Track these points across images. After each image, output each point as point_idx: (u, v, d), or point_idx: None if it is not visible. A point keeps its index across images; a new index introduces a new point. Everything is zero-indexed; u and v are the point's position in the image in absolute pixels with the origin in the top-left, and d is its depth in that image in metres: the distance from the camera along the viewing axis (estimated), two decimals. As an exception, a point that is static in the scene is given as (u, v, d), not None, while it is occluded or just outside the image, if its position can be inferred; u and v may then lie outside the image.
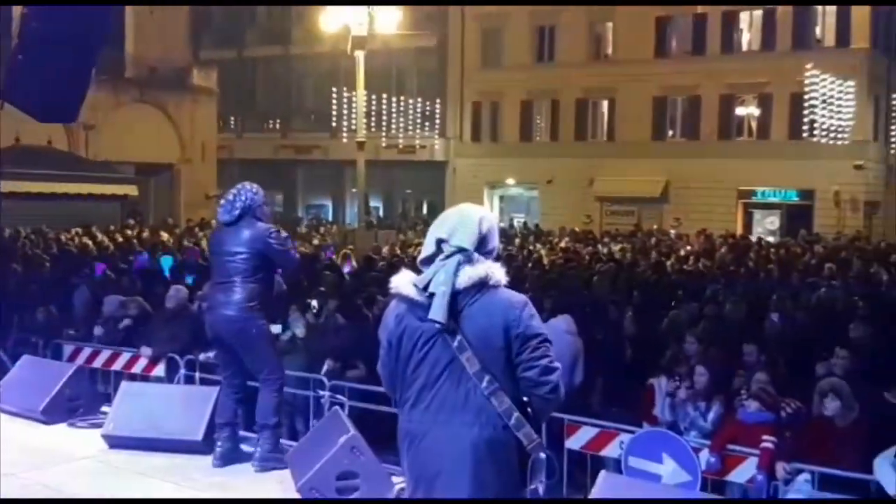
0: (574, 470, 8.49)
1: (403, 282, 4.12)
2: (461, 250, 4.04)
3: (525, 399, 4.07)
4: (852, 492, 7.14)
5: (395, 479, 6.51)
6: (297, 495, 6.56)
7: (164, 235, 26.03)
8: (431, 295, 3.98)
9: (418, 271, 4.16)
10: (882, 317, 11.68)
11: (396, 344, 4.11)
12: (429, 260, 4.13)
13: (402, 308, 4.13)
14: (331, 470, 6.45)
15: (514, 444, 3.96)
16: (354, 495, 6.48)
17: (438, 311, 3.92)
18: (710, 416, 8.50)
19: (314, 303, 12.19)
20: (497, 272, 4.04)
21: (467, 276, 3.98)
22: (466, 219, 4.15)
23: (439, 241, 4.10)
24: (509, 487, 3.97)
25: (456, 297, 3.97)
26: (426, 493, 4.02)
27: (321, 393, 9.38)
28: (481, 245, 4.11)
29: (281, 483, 7.02)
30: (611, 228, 35.82)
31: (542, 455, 4.03)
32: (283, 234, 7.61)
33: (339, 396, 9.16)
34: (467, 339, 3.93)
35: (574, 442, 8.85)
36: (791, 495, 7.48)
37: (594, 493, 5.15)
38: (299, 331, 10.78)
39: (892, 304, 13.22)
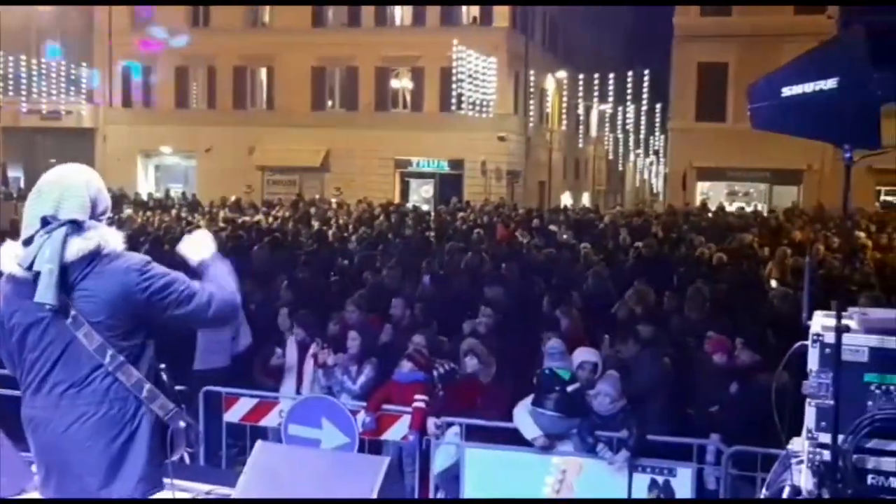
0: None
1: (6, 258, 3.71)
2: (72, 222, 3.68)
3: (161, 366, 3.91)
4: (499, 440, 7.72)
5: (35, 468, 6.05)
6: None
7: None
8: (38, 273, 3.61)
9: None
10: (522, 277, 12.66)
11: (9, 326, 3.75)
12: (31, 240, 3.70)
13: (8, 288, 3.75)
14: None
15: (149, 417, 3.78)
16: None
17: (46, 293, 3.57)
18: (361, 379, 8.70)
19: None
20: (112, 239, 3.73)
21: (76, 248, 3.64)
22: (71, 186, 3.77)
23: (45, 220, 3.69)
24: (150, 462, 3.80)
25: (66, 271, 3.62)
26: (59, 483, 3.76)
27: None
28: (93, 210, 3.78)
29: None
30: (273, 198, 35.65)
31: (182, 424, 3.88)
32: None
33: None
34: (84, 314, 3.63)
35: (233, 414, 8.77)
36: (443, 447, 7.94)
37: (249, 465, 5.08)
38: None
39: (531, 265, 14.31)
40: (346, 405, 8.42)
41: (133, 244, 15.97)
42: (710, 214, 27.98)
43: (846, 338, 3.58)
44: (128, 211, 26.84)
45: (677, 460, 7.44)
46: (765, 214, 29.06)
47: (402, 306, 9.99)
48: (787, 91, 3.78)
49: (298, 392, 9.03)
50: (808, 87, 3.70)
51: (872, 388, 3.64)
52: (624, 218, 26.26)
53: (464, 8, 38.88)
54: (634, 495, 7.39)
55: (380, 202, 30.95)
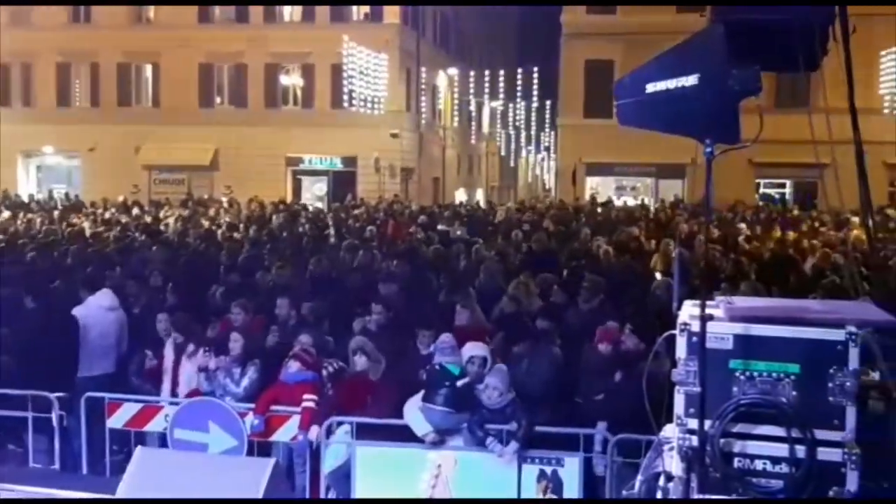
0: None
1: None
2: None
3: None
4: (391, 437, 7.71)
5: None
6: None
7: None
8: None
9: None
10: (415, 274, 12.69)
11: None
12: None
13: None
14: None
15: None
16: None
17: None
18: (244, 382, 8.56)
19: None
20: None
21: None
22: None
23: None
24: None
25: None
26: None
27: None
28: None
29: None
30: (160, 198, 34.79)
31: None
32: None
33: None
34: None
35: (116, 420, 8.55)
36: (332, 446, 7.89)
37: (130, 471, 4.97)
38: None
39: (425, 262, 14.33)
40: (235, 408, 8.29)
41: (13, 249, 15.41)
42: (599, 209, 28.57)
43: (712, 326, 3.70)
44: (6, 213, 25.85)
45: (566, 450, 7.57)
46: (651, 208, 29.81)
47: (287, 306, 9.88)
48: (651, 87, 3.89)
49: (174, 395, 8.84)
50: (671, 84, 3.80)
51: (737, 374, 3.77)
52: (516, 213, 26.57)
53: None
54: (524, 487, 7.49)
55: (271, 201, 30.57)
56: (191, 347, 8.91)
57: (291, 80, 39.12)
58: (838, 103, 4.79)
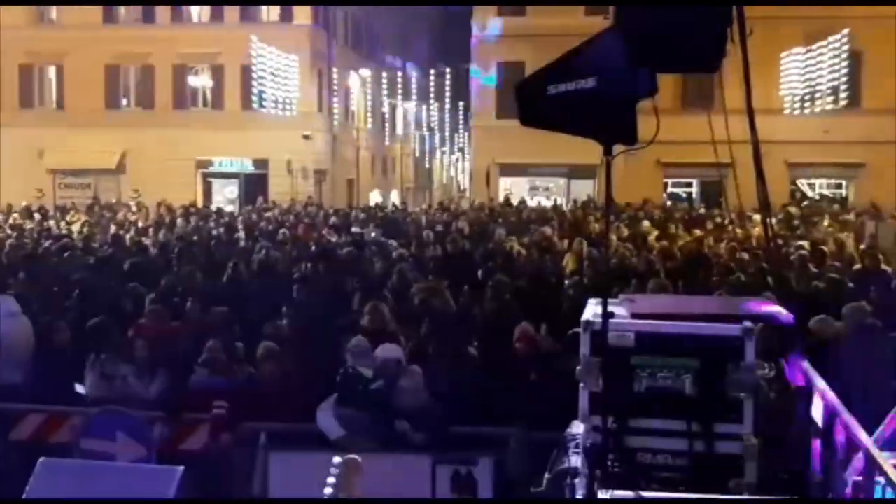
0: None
1: None
2: None
3: None
4: (305, 443, 7.63)
5: None
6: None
7: None
8: None
9: None
10: (329, 276, 12.63)
11: None
12: None
13: None
14: None
15: None
16: None
17: None
18: (153, 388, 8.42)
19: None
20: None
21: None
22: None
23: None
24: None
25: None
26: None
27: None
28: None
29: None
30: (66, 202, 33.84)
31: None
32: None
33: None
34: None
35: (18, 433, 8.28)
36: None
37: (32, 484, 4.82)
38: None
39: (339, 265, 14.23)
40: (143, 416, 8.11)
41: None
42: (512, 209, 28.82)
43: (614, 323, 3.78)
44: None
45: (481, 450, 7.60)
46: (564, 208, 30.20)
47: (198, 311, 9.72)
48: (552, 89, 3.94)
49: (82, 404, 8.61)
50: (570, 86, 3.86)
51: (639, 370, 3.86)
52: (431, 215, 26.65)
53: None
54: (438, 488, 7.50)
55: (181, 204, 30.02)
56: (98, 355, 8.68)
57: (200, 81, 38.52)
58: (741, 104, 4.93)
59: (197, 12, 38.68)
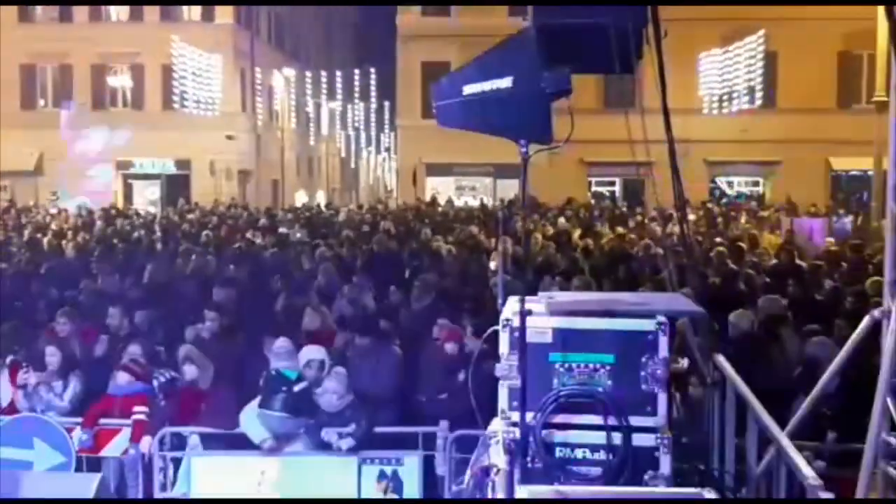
0: None
1: None
2: None
3: None
4: (231, 447, 7.55)
5: None
6: None
7: None
8: None
9: None
10: (253, 278, 12.50)
11: None
12: None
13: None
14: None
15: None
16: None
17: None
18: (68, 394, 8.22)
19: None
20: None
21: None
22: None
23: None
24: None
25: None
26: None
27: None
28: None
29: None
30: (-20, 205, 32.89)
31: None
32: None
33: None
34: None
35: (-70, 444, 8.02)
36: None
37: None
38: None
39: (264, 266, 14.09)
40: (61, 422, 7.94)
41: None
42: (439, 209, 28.89)
43: (532, 321, 3.83)
44: None
45: (407, 449, 7.62)
46: (489, 207, 30.37)
47: (119, 315, 9.52)
48: (468, 89, 3.98)
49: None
50: (486, 86, 3.90)
51: (557, 366, 3.91)
52: (360, 214, 26.57)
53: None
54: (364, 488, 7.51)
55: (101, 206, 29.40)
56: (7, 361, 8.46)
57: (120, 80, 37.80)
58: (660, 104, 5.02)
59: (115, 11, 37.92)
